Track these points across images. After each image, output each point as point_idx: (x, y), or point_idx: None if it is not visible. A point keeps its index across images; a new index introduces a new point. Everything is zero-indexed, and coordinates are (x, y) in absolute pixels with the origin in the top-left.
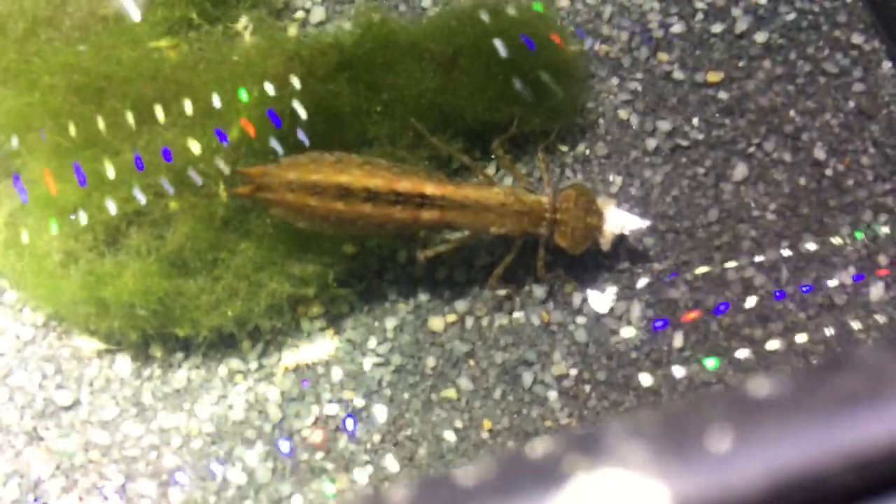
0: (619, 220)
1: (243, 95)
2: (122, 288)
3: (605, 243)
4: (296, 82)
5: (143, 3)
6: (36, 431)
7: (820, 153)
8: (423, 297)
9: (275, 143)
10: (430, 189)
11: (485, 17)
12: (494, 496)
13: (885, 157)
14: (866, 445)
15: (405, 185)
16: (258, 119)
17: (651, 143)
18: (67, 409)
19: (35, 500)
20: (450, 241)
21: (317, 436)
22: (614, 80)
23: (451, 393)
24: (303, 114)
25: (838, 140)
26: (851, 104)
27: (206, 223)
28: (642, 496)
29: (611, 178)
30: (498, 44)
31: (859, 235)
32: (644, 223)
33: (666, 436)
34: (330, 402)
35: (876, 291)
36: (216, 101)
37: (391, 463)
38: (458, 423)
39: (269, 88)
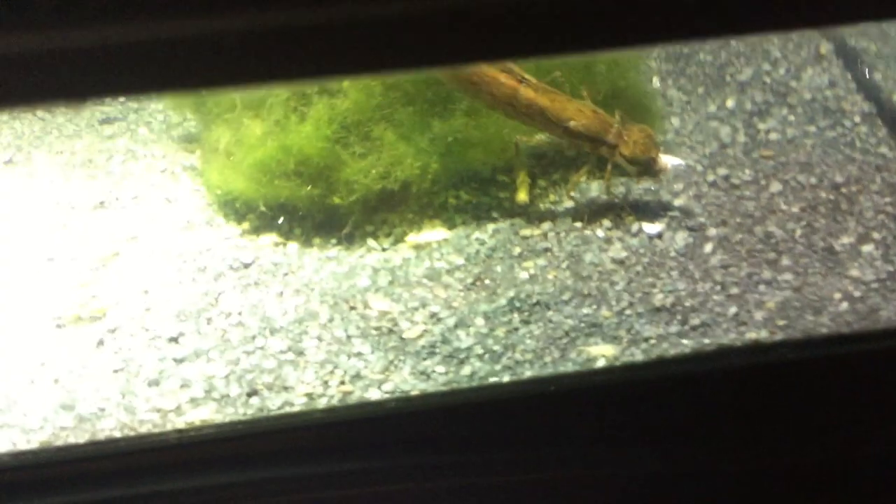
0: (668, 159)
1: None
2: (301, 149)
3: (658, 170)
4: None
5: None
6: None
7: None
8: (519, 219)
9: None
10: (529, 76)
11: None
12: None
13: None
14: None
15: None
16: None
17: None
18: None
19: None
20: (541, 140)
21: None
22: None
23: (529, 264)
24: None
25: None
26: None
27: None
28: None
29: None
30: None
31: None
32: (684, 163)
33: None
34: (438, 260)
35: None
36: None
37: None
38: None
39: None
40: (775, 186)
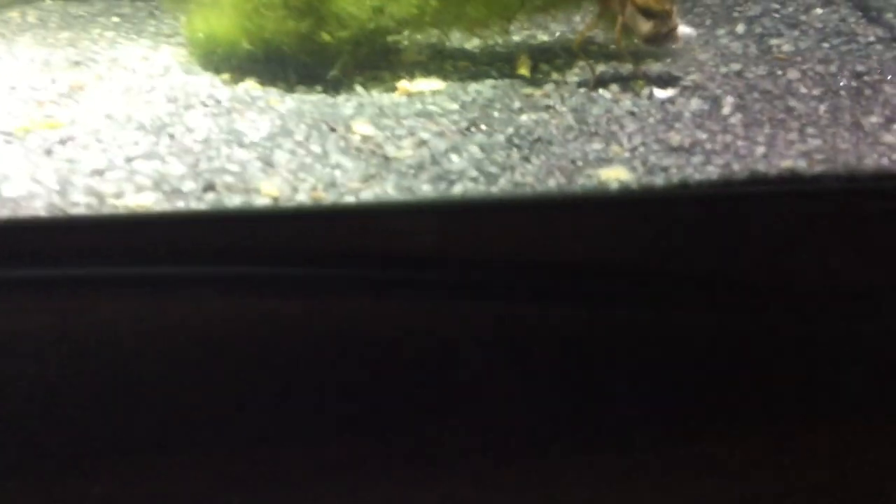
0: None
1: None
2: None
3: (672, 31)
4: None
5: None
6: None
7: None
8: (520, 80)
9: None
10: None
11: None
12: None
13: None
14: None
15: None
16: None
17: None
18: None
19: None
20: None
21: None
22: None
23: (530, 115)
24: None
25: None
26: None
27: None
28: None
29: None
30: None
31: None
32: (696, 32)
33: None
34: (431, 105)
35: None
36: None
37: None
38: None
39: None
40: (793, 74)
